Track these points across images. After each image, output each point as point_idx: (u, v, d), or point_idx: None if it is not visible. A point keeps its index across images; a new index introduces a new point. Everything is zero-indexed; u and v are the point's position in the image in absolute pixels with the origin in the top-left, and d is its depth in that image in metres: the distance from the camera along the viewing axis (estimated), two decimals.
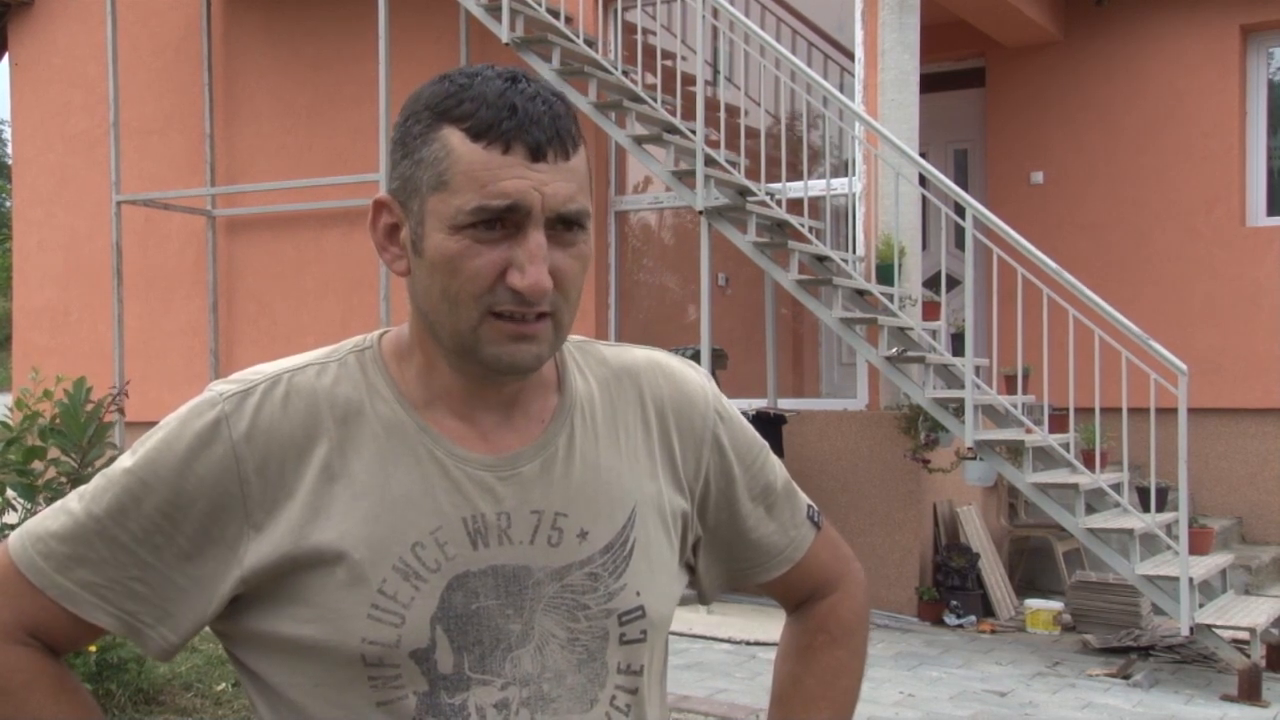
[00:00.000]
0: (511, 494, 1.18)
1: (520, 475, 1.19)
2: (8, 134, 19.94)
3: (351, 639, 1.12)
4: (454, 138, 1.11)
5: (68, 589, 1.14)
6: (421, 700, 1.14)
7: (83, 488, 1.19)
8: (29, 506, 4.11)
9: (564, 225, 1.14)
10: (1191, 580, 6.01)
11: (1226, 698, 5.77)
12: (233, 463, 1.14)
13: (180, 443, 1.14)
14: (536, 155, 1.11)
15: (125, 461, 1.17)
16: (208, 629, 1.20)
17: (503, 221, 1.11)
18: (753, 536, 1.37)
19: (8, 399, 5.07)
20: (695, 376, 1.34)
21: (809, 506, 1.43)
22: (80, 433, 4.00)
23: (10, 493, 4.13)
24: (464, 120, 1.11)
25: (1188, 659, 6.41)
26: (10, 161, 13.10)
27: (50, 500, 4.08)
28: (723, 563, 1.38)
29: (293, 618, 1.14)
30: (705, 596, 1.43)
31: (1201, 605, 6.22)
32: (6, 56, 11.10)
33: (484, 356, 1.14)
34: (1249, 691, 5.77)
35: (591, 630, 1.20)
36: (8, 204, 22.31)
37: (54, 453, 4.25)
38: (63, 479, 4.08)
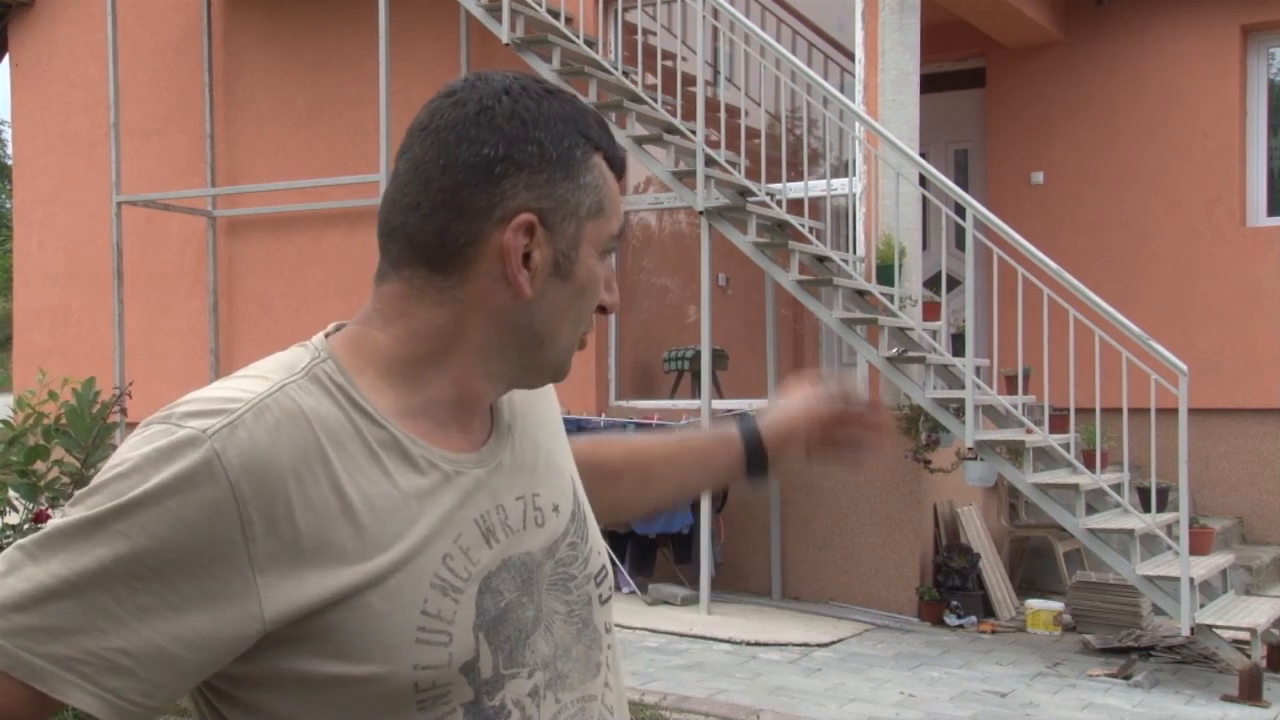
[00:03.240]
0: (500, 485, 1.19)
1: (501, 465, 1.20)
2: (8, 134, 19.95)
3: (402, 667, 1.07)
4: (603, 166, 1.18)
5: (36, 666, 0.99)
6: (467, 710, 1.12)
7: (27, 544, 1.02)
8: (30, 507, 4.12)
9: None
10: (1192, 580, 6.01)
11: (1227, 698, 5.77)
12: (233, 505, 1.01)
13: (167, 492, 1.00)
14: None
15: (89, 514, 1.01)
16: None
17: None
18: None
19: (8, 399, 5.08)
20: None
21: None
22: (85, 433, 4.01)
23: (12, 493, 4.14)
24: (604, 150, 1.18)
25: (1188, 659, 6.41)
26: (10, 162, 13.10)
27: (52, 500, 4.08)
28: None
29: (325, 656, 1.05)
30: None
31: (1202, 605, 6.22)
32: (7, 57, 11.11)
33: (564, 370, 1.23)
34: (1250, 692, 5.77)
35: (581, 598, 1.23)
36: (8, 204, 22.32)
37: (57, 453, 4.25)
38: (65, 479, 4.09)
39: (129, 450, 1.04)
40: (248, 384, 1.09)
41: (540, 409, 1.32)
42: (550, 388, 1.36)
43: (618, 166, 1.19)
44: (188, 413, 1.05)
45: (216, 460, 1.02)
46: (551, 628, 1.19)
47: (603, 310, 1.22)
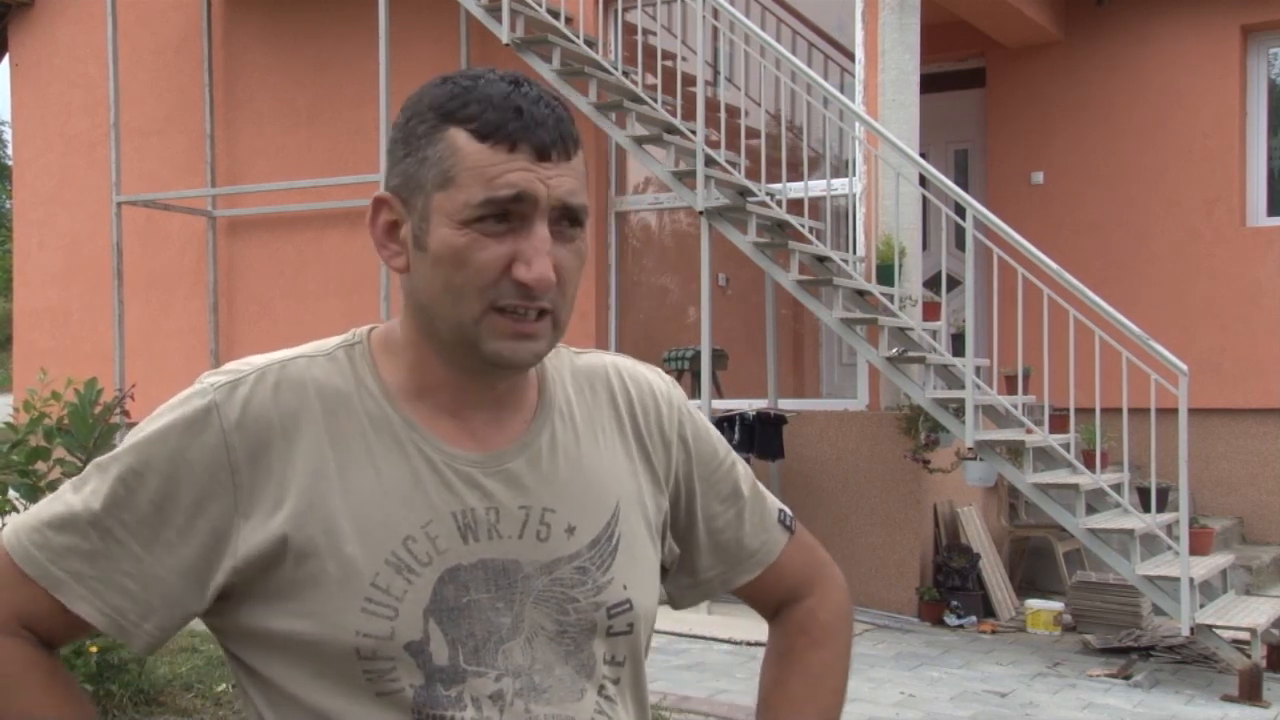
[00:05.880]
0: (500, 489, 1.21)
1: (507, 471, 1.22)
2: (8, 134, 19.94)
3: (345, 633, 1.14)
4: (459, 138, 1.15)
5: (59, 578, 1.15)
6: (419, 693, 1.16)
7: (77, 478, 1.21)
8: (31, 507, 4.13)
9: (567, 220, 1.17)
10: (1192, 580, 6.01)
11: (1227, 698, 5.78)
12: (224, 451, 1.15)
13: (172, 432, 1.16)
14: (542, 155, 1.15)
15: (118, 452, 1.18)
16: (204, 627, 1.22)
17: (509, 215, 1.14)
18: (722, 539, 1.40)
19: (8, 399, 5.08)
20: (659, 380, 1.39)
21: (780, 510, 1.46)
22: (87, 434, 4.01)
23: (13, 493, 4.15)
24: (470, 121, 1.15)
25: (1188, 659, 6.41)
26: (10, 162, 13.10)
27: None
28: (691, 565, 1.40)
29: (285, 613, 1.16)
30: (675, 600, 1.44)
31: (1202, 605, 6.22)
32: (7, 57, 11.11)
33: (485, 352, 1.17)
34: (1249, 692, 5.77)
35: (580, 623, 1.23)
36: (8, 204, 22.31)
37: (59, 453, 4.26)
38: (66, 479, 4.10)
39: (172, 399, 1.21)
40: (275, 355, 1.23)
41: (610, 432, 1.31)
42: (676, 420, 1.35)
43: (493, 134, 1.14)
44: (211, 373, 1.21)
45: (215, 411, 1.16)
46: (533, 641, 1.21)
47: (524, 287, 1.14)
